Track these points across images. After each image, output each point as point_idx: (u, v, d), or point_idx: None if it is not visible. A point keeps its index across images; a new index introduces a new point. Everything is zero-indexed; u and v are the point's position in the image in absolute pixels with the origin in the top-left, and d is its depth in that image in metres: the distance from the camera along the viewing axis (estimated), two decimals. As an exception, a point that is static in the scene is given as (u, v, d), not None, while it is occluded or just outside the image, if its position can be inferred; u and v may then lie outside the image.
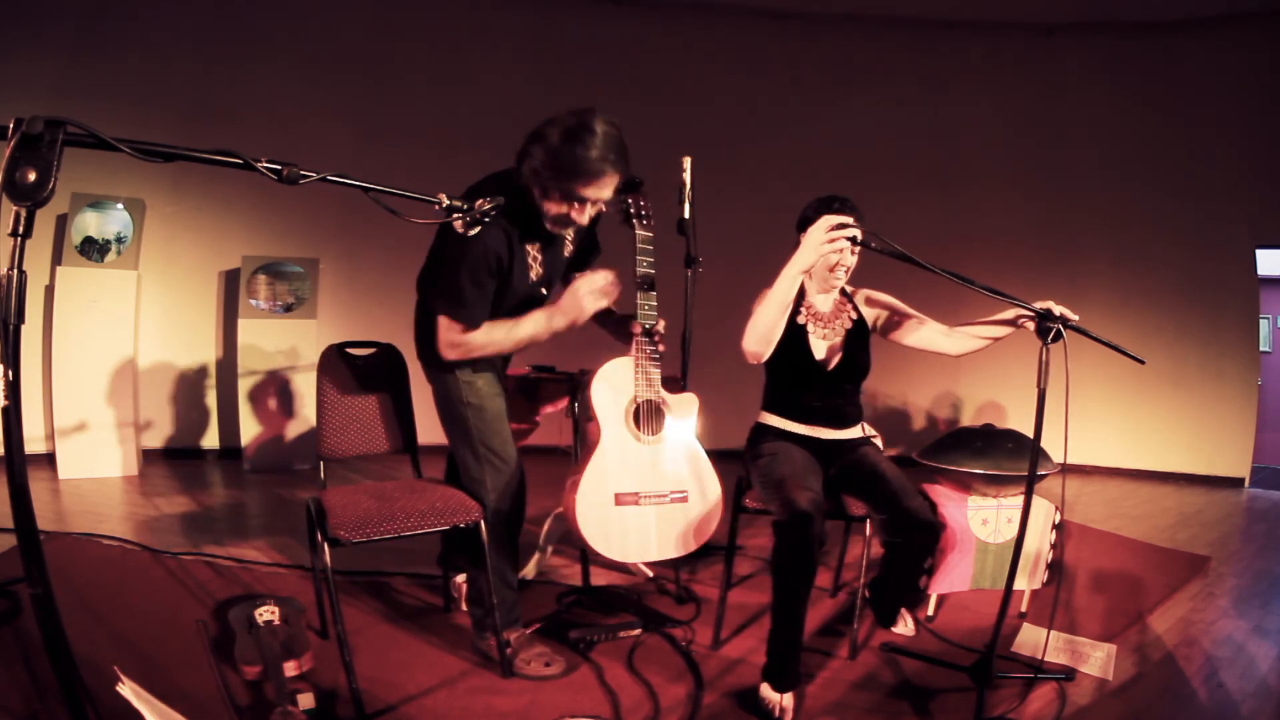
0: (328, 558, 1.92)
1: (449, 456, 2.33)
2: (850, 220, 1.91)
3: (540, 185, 1.88)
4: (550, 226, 1.97)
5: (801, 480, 2.04)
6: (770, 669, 1.93)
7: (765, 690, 1.92)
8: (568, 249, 2.16)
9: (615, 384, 2.14)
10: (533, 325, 2.01)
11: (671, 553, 2.13)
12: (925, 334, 2.27)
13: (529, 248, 2.01)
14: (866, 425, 2.44)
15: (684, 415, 2.22)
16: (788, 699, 1.89)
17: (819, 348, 2.31)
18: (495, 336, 1.98)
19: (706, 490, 2.21)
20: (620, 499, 2.08)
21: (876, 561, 2.35)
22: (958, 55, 5.45)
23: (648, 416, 2.15)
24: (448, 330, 1.95)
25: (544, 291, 2.13)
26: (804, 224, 2.26)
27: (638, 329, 2.13)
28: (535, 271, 2.05)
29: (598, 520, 2.06)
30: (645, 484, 2.12)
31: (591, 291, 1.99)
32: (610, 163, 1.83)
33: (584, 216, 1.93)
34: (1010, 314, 2.03)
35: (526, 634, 2.17)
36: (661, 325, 2.17)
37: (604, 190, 1.89)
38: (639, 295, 2.15)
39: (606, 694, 1.99)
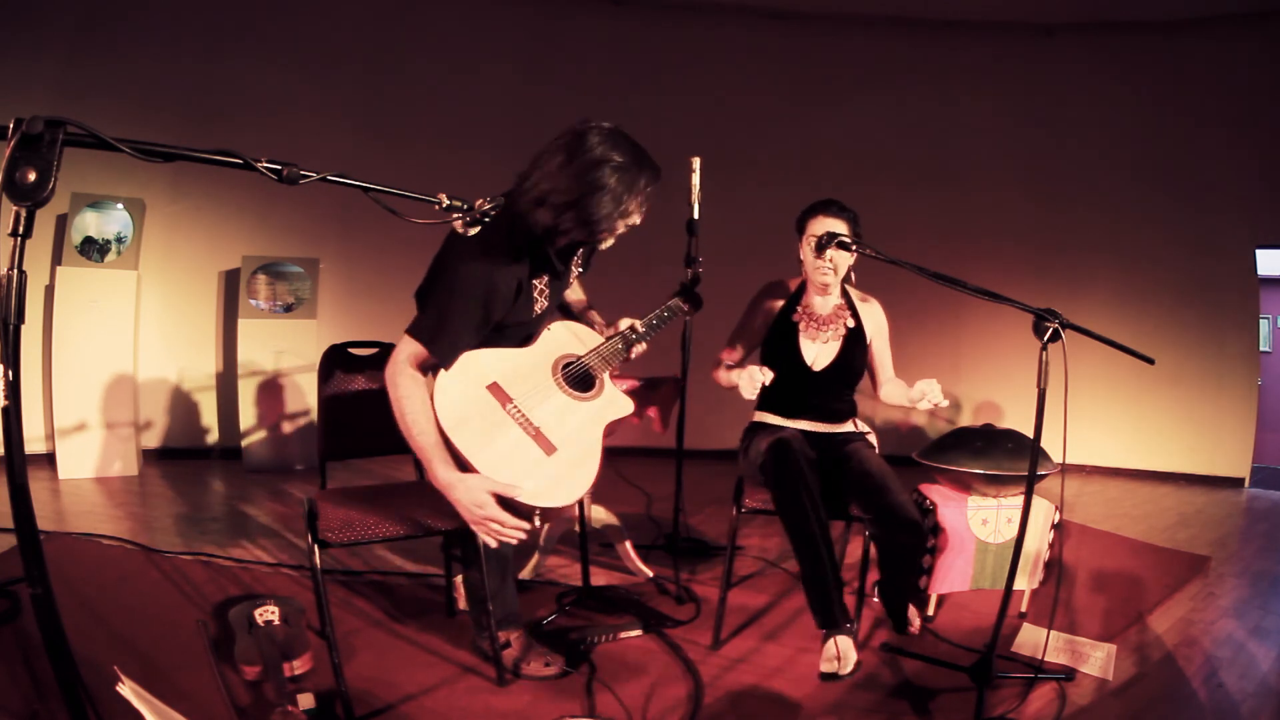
0: (317, 558, 1.91)
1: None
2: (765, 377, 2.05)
3: (568, 218, 1.68)
4: (555, 253, 1.85)
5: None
6: (814, 614, 2.00)
7: (825, 641, 1.98)
8: (571, 277, 2.04)
9: (578, 332, 2.02)
10: (429, 447, 1.71)
11: (502, 482, 1.71)
12: (877, 376, 2.47)
13: (536, 282, 1.89)
14: (860, 421, 2.44)
15: (606, 411, 1.95)
16: (845, 644, 1.94)
17: (809, 349, 2.34)
18: (418, 408, 1.71)
19: (573, 479, 1.82)
20: (494, 387, 1.82)
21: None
22: (958, 55, 5.45)
23: (575, 377, 1.95)
24: (410, 350, 1.73)
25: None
26: (801, 226, 2.33)
27: (626, 325, 2.06)
28: (540, 305, 1.92)
29: (460, 388, 1.77)
30: (525, 402, 1.83)
31: (477, 503, 1.68)
32: (650, 177, 1.73)
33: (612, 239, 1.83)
34: (916, 393, 2.12)
35: (526, 634, 2.17)
36: (637, 351, 2.08)
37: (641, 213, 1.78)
38: (653, 317, 2.12)
39: (606, 694, 1.99)
